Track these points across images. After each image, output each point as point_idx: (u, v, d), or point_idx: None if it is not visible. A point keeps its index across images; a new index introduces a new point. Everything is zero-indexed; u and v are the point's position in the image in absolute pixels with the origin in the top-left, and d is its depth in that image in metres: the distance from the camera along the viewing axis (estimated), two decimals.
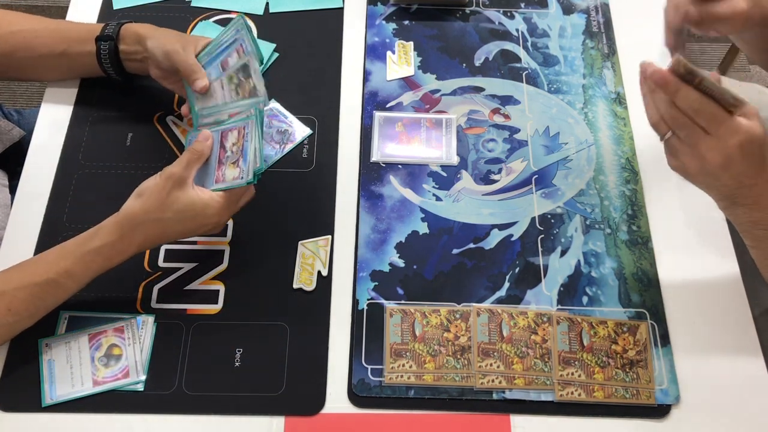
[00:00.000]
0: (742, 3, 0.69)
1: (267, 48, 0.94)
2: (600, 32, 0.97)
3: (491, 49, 0.95)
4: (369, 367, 0.71)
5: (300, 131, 0.87)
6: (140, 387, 0.70)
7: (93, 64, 0.83)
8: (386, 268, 0.77)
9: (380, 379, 0.71)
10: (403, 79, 0.92)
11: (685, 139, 0.65)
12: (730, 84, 1.04)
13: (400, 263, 0.78)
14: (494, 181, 0.84)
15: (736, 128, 0.62)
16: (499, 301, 0.76)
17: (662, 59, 0.94)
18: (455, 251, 0.79)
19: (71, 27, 0.85)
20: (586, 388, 0.70)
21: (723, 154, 0.63)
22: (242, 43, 0.74)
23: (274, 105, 0.89)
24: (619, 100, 0.91)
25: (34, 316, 0.69)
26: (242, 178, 0.70)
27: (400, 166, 0.85)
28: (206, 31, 0.95)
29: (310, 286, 0.76)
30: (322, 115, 0.89)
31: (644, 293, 0.76)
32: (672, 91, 0.63)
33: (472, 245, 0.79)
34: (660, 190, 0.84)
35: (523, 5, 1.00)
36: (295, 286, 0.76)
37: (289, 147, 0.86)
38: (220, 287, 0.76)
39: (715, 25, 0.72)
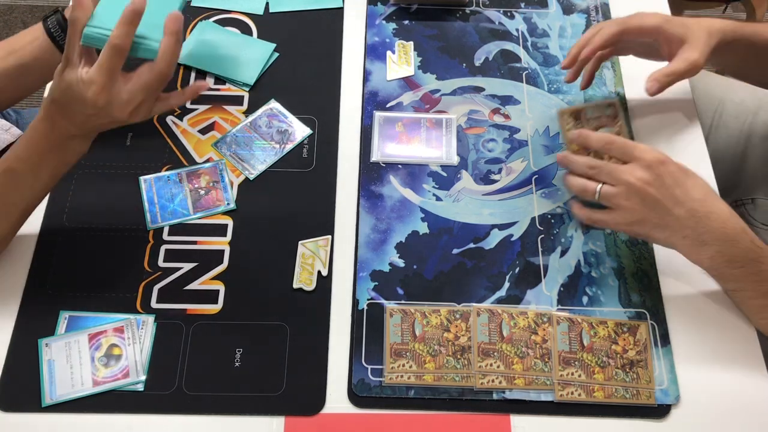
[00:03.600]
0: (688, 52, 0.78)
1: (267, 48, 0.94)
2: None
3: (491, 49, 0.95)
4: (369, 367, 0.71)
5: (300, 131, 0.87)
6: (140, 387, 0.70)
7: (47, 51, 0.77)
8: (386, 268, 0.77)
9: (380, 379, 0.71)
10: (403, 79, 0.92)
11: (609, 177, 0.71)
12: (731, 84, 1.04)
13: (400, 263, 0.78)
14: (494, 181, 0.84)
15: (642, 150, 0.70)
16: (499, 301, 0.76)
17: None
18: (455, 251, 0.79)
19: (14, 37, 0.81)
20: (586, 388, 0.70)
21: (651, 174, 0.69)
22: None
23: (274, 105, 0.89)
24: (619, 100, 0.91)
25: (10, 216, 0.71)
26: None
27: (400, 166, 0.85)
28: (206, 30, 0.95)
29: (310, 286, 0.76)
30: (322, 115, 0.89)
31: (644, 293, 0.76)
32: (583, 142, 0.75)
33: (472, 245, 0.79)
34: None
35: (523, 5, 1.00)
36: (295, 286, 0.76)
37: (289, 147, 0.86)
38: (220, 287, 0.76)
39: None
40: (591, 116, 0.75)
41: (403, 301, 0.75)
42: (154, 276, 0.76)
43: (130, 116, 0.68)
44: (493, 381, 0.71)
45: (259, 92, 0.90)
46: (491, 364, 0.71)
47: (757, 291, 0.70)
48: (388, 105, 0.90)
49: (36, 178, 0.70)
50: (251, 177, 0.83)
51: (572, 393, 0.70)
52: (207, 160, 0.84)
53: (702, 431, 0.69)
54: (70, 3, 0.97)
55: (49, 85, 0.74)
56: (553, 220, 0.81)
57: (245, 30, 0.96)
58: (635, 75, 0.94)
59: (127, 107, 0.66)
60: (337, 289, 0.76)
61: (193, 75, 0.92)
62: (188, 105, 0.89)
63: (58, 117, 0.67)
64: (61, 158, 0.71)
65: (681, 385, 0.71)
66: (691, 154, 0.86)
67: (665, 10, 0.99)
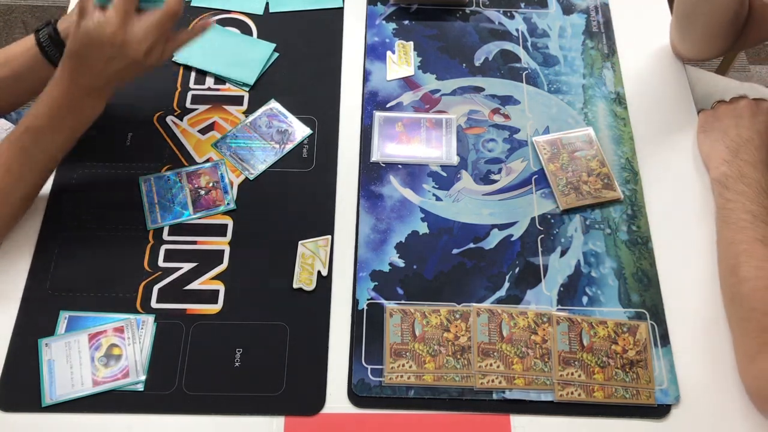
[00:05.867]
0: None
1: (267, 48, 0.94)
2: (600, 32, 0.97)
3: (491, 49, 0.95)
4: (369, 367, 0.71)
5: (300, 131, 0.87)
6: (140, 387, 0.70)
7: (39, 62, 0.78)
8: (386, 268, 0.77)
9: (380, 379, 0.71)
10: (403, 79, 0.92)
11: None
12: (730, 84, 1.05)
13: (400, 263, 0.78)
14: (494, 181, 0.84)
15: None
16: (499, 301, 0.76)
17: (661, 58, 0.95)
18: (455, 251, 0.79)
19: (7, 47, 0.81)
20: (586, 388, 0.70)
21: (756, 105, 0.83)
22: None
23: (274, 105, 0.89)
24: (619, 100, 0.91)
25: (32, 174, 0.75)
26: None
27: (400, 166, 0.85)
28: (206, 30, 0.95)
29: (310, 286, 0.76)
30: (322, 115, 0.89)
31: (644, 293, 0.76)
32: None
33: (472, 245, 0.79)
34: (660, 190, 0.84)
35: (523, 5, 1.00)
36: (295, 286, 0.76)
37: (289, 147, 0.86)
38: (220, 287, 0.76)
39: None
40: (566, 142, 0.79)
41: (403, 301, 0.75)
42: (154, 276, 0.76)
43: (145, 57, 0.70)
44: (493, 381, 0.71)
45: (259, 92, 0.90)
46: (491, 364, 0.71)
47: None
48: (388, 105, 0.90)
49: (55, 136, 0.73)
50: (251, 177, 0.83)
51: (572, 393, 0.70)
52: (207, 160, 0.84)
53: (702, 431, 0.69)
54: (72, 4, 0.97)
55: None
56: (553, 220, 0.81)
57: (245, 30, 0.96)
58: (635, 75, 0.94)
59: (141, 45, 0.69)
60: (337, 289, 0.76)
61: (193, 75, 0.92)
62: (188, 105, 0.89)
63: (77, 70, 0.70)
64: (79, 116, 0.74)
65: (681, 385, 0.71)
66: (690, 153, 0.87)
67: (665, 11, 1.00)
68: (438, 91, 0.91)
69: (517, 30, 0.97)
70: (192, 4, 0.98)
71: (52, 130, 0.73)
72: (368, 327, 0.74)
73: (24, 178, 0.74)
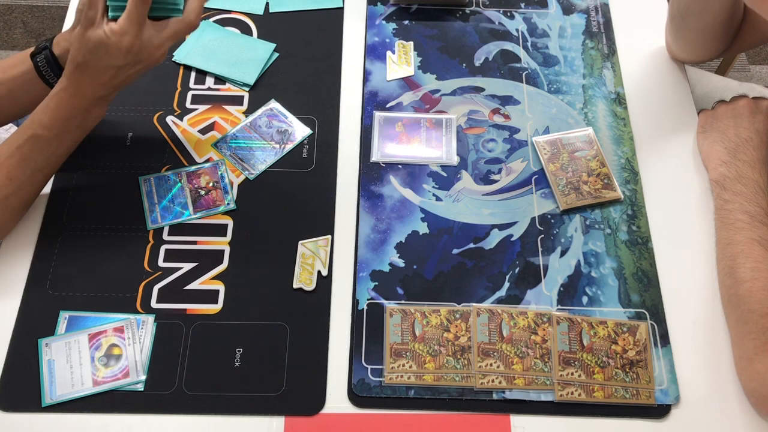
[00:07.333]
0: None
1: (267, 48, 0.94)
2: (600, 32, 0.97)
3: (491, 49, 0.95)
4: (369, 367, 0.71)
5: (300, 131, 0.87)
6: (140, 387, 0.70)
7: (36, 85, 0.78)
8: (386, 268, 0.77)
9: (380, 379, 0.71)
10: (403, 79, 0.92)
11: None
12: (730, 84, 1.05)
13: (400, 263, 0.78)
14: (494, 181, 0.84)
15: None
16: (499, 301, 0.76)
17: (661, 58, 0.95)
18: (455, 251, 0.79)
19: (2, 62, 0.81)
20: (586, 388, 0.70)
21: (755, 104, 0.83)
22: None
23: (274, 105, 0.89)
24: (619, 100, 0.91)
25: (34, 181, 0.76)
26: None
27: (400, 166, 0.85)
28: (206, 30, 0.95)
29: (310, 286, 0.76)
30: (322, 115, 0.89)
31: (644, 293, 0.76)
32: None
33: (472, 245, 0.79)
34: (660, 190, 0.84)
35: (523, 5, 1.00)
36: (295, 286, 0.76)
37: (289, 147, 0.86)
38: (220, 287, 0.76)
39: None
40: (566, 142, 0.79)
41: (403, 301, 0.75)
42: (154, 276, 0.76)
43: (157, 60, 0.72)
44: (493, 381, 0.71)
45: (259, 92, 0.90)
46: (491, 364, 0.71)
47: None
48: (388, 105, 0.90)
49: (60, 144, 0.74)
50: (251, 177, 0.83)
51: (572, 393, 0.70)
52: (207, 160, 0.84)
53: (702, 431, 0.69)
54: (72, 5, 0.97)
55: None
56: (553, 220, 0.81)
57: (245, 30, 0.96)
58: (635, 75, 0.94)
59: (157, 52, 0.71)
60: (337, 289, 0.76)
61: (193, 75, 0.92)
62: (188, 105, 0.89)
63: (84, 81, 0.71)
64: (83, 124, 0.75)
65: (681, 385, 0.71)
66: (690, 153, 0.87)
67: (665, 11, 0.99)
68: (438, 91, 0.91)
69: (517, 30, 0.97)
70: None
71: (56, 140, 0.74)
72: (368, 327, 0.74)
73: (24, 184, 0.75)
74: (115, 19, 0.68)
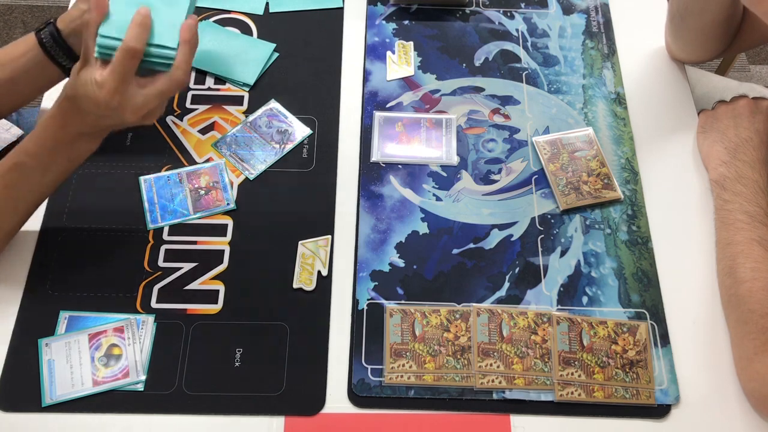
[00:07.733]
0: None
1: (267, 48, 0.94)
2: (600, 32, 0.97)
3: (491, 49, 0.95)
4: (369, 367, 0.71)
5: (300, 131, 0.87)
6: (140, 387, 0.70)
7: (42, 63, 0.77)
8: (386, 268, 0.77)
9: (380, 379, 0.71)
10: (403, 79, 0.92)
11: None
12: (730, 84, 1.05)
13: (400, 263, 0.78)
14: (494, 181, 0.84)
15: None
16: (499, 301, 0.76)
17: (661, 58, 0.95)
18: (455, 251, 0.79)
19: (6, 47, 0.80)
20: (586, 388, 0.70)
21: (755, 105, 0.83)
22: None
23: (274, 105, 0.89)
24: (619, 100, 0.91)
25: (17, 211, 0.72)
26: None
27: (400, 166, 0.85)
28: (206, 30, 0.95)
29: (310, 286, 0.76)
30: (322, 115, 0.89)
31: (644, 293, 0.76)
32: None
33: (472, 245, 0.79)
34: (660, 190, 0.84)
35: (523, 5, 1.00)
36: (295, 286, 0.76)
37: (289, 147, 0.86)
38: (220, 287, 0.76)
39: None
40: (566, 142, 0.79)
41: (403, 301, 0.75)
42: (154, 276, 0.76)
43: (142, 119, 0.68)
44: (493, 381, 0.71)
45: (259, 92, 0.90)
46: (491, 364, 0.71)
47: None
48: (388, 105, 0.90)
49: (44, 174, 0.71)
50: (251, 177, 0.83)
51: (572, 393, 0.70)
52: (207, 160, 0.84)
53: (702, 431, 0.69)
54: (72, 3, 0.97)
55: (62, 84, 0.74)
56: (553, 220, 0.81)
57: (245, 30, 0.96)
58: (635, 75, 0.94)
59: (140, 111, 0.67)
60: (337, 289, 0.76)
61: (193, 75, 0.92)
62: (188, 105, 0.89)
63: (70, 114, 0.67)
64: (70, 156, 0.71)
65: (681, 385, 0.71)
66: (690, 154, 0.87)
67: (665, 11, 0.99)
68: (438, 91, 0.91)
69: (517, 30, 0.97)
70: None
71: (41, 169, 0.70)
72: (368, 327, 0.74)
73: (8, 215, 0.72)
74: (105, 60, 0.65)
